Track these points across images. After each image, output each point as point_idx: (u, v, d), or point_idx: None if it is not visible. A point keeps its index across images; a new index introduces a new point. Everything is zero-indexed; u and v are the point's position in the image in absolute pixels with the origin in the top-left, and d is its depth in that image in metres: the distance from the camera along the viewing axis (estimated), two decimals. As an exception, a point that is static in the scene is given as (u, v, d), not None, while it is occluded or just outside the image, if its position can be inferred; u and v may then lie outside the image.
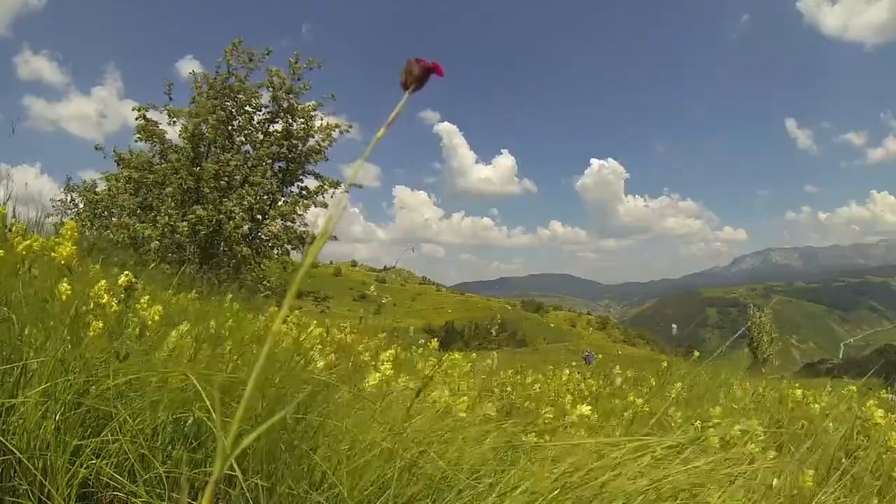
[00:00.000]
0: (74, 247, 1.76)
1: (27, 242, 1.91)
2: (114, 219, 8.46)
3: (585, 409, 1.75)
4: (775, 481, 1.45)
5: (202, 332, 1.92)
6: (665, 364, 5.13)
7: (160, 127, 8.64)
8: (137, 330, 1.77)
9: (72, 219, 7.87)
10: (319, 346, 2.85)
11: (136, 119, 8.51)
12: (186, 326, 1.80)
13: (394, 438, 1.43)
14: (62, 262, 1.74)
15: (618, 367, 5.78)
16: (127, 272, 1.77)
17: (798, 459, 1.79)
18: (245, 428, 1.27)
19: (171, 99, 8.70)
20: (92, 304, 1.63)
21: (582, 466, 1.22)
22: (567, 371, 5.01)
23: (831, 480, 1.65)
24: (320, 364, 2.25)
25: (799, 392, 3.29)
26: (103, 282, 1.69)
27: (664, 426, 2.44)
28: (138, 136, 8.55)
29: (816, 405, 3.10)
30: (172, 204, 8.07)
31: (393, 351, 2.82)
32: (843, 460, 2.02)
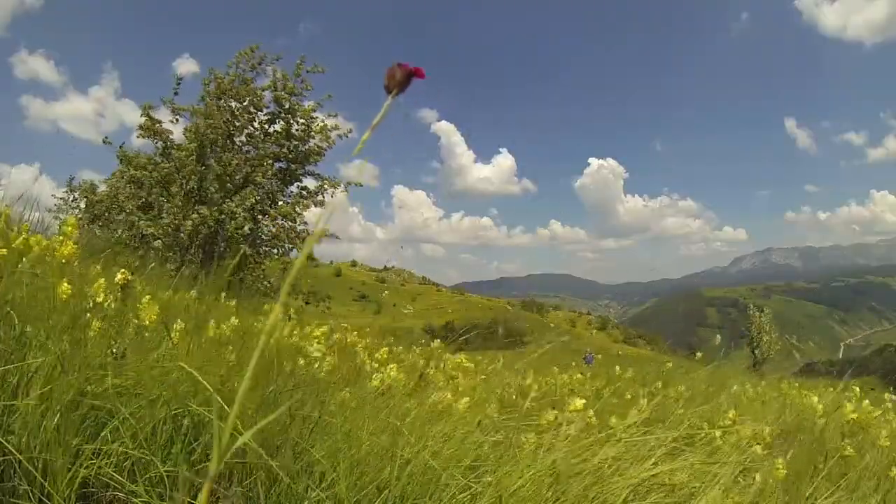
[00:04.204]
0: (75, 245, 1.77)
1: (24, 238, 1.91)
2: (124, 213, 8.44)
3: (579, 402, 1.75)
4: (758, 477, 1.46)
5: (201, 330, 1.92)
6: (669, 364, 5.15)
7: (164, 125, 8.69)
8: (135, 330, 1.77)
9: (72, 216, 7.85)
10: (320, 346, 2.85)
11: (141, 116, 8.55)
12: (182, 325, 1.80)
13: (393, 437, 1.43)
14: (63, 260, 1.74)
15: (618, 366, 5.79)
16: (123, 270, 1.77)
17: (790, 458, 1.80)
18: (247, 421, 1.27)
19: (176, 94, 8.73)
20: (91, 303, 1.63)
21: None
22: (569, 373, 5.02)
23: (820, 477, 1.66)
24: (323, 365, 2.25)
25: (796, 392, 3.29)
26: (102, 280, 1.69)
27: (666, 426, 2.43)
28: (140, 132, 8.59)
29: (815, 405, 3.11)
30: (179, 203, 8.08)
31: (387, 349, 2.81)
32: (837, 458, 2.02)
